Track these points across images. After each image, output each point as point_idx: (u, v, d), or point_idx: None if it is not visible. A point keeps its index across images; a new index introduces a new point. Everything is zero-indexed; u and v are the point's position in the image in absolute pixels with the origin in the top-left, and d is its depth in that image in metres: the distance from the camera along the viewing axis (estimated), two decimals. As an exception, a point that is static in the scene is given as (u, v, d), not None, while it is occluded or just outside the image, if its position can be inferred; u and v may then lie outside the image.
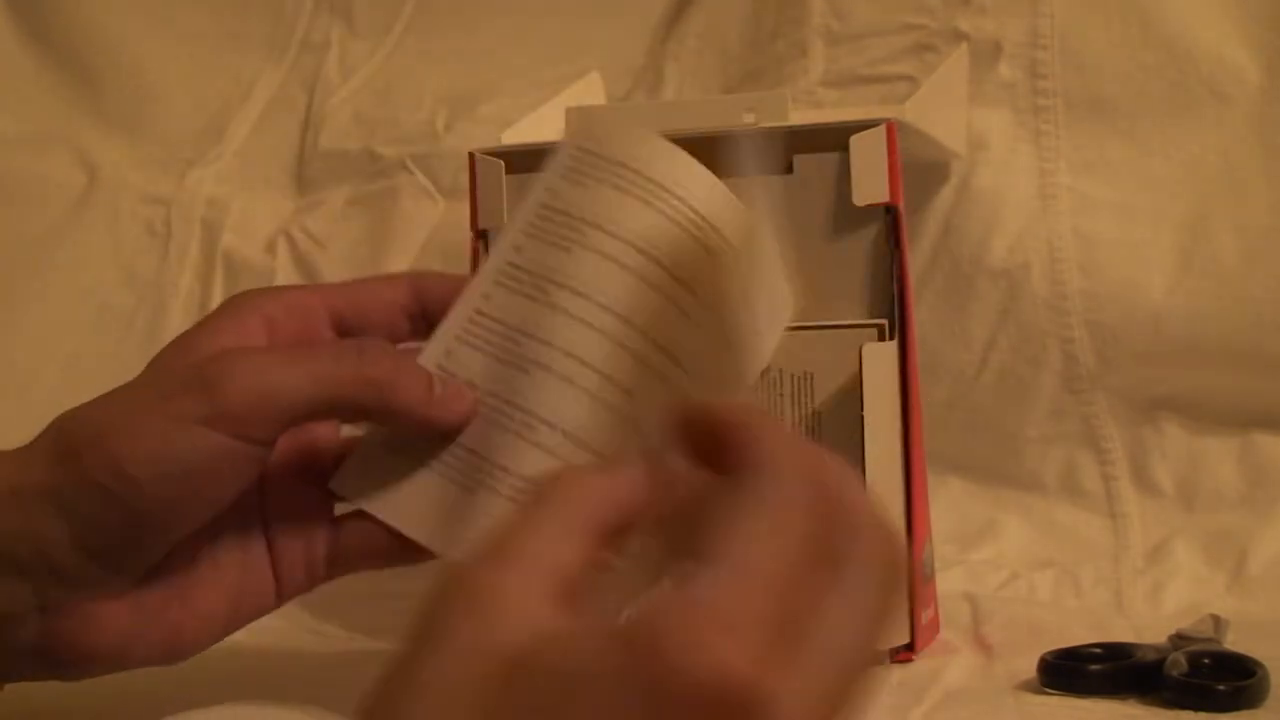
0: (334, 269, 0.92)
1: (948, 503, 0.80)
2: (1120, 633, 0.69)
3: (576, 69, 0.88)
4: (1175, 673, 0.59)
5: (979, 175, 0.81)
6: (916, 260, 0.81)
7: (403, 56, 0.97)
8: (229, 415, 0.49)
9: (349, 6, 0.99)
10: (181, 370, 0.50)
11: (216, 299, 0.93)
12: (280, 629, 0.76)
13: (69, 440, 0.49)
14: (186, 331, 0.54)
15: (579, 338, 0.54)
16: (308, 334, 0.55)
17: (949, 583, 0.74)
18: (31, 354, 0.93)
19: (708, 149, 0.59)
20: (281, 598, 0.57)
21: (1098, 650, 0.63)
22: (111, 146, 0.99)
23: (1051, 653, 0.62)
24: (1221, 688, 0.58)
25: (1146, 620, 0.72)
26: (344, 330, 0.56)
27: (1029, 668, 0.62)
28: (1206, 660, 0.61)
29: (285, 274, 0.92)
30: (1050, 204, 0.80)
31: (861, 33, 0.84)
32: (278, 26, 1.00)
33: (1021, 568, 0.78)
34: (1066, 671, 0.61)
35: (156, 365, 0.53)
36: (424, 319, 0.56)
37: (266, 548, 0.56)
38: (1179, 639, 0.64)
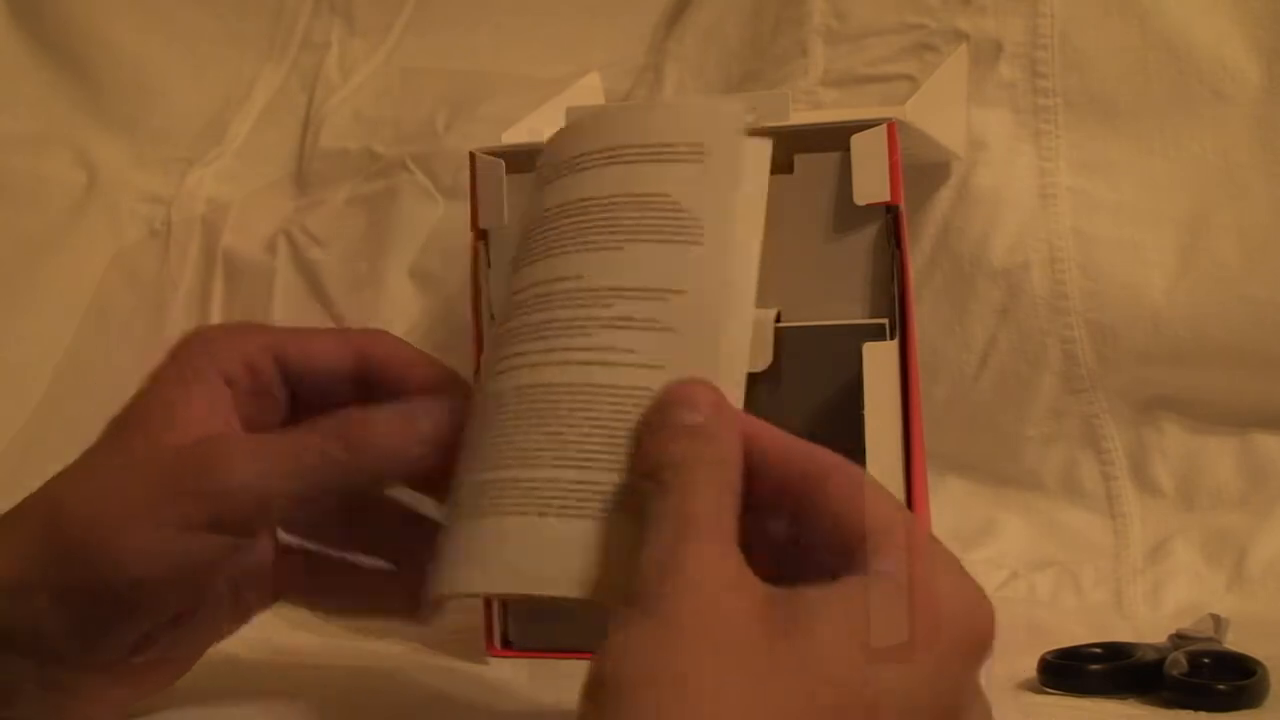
0: (334, 269, 0.92)
1: (948, 502, 0.80)
2: (1120, 632, 0.69)
3: (577, 69, 0.88)
4: (1175, 672, 0.60)
5: (979, 175, 0.81)
6: (916, 260, 0.81)
7: (403, 56, 0.97)
8: (231, 521, 0.50)
9: (349, 6, 0.99)
10: (173, 462, 0.50)
11: (216, 299, 0.93)
12: (278, 628, 0.76)
13: (69, 540, 0.50)
14: (152, 390, 0.53)
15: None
16: (261, 387, 0.54)
17: (949, 582, 0.74)
18: (31, 354, 0.93)
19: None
20: (244, 615, 0.57)
21: (1098, 650, 0.63)
22: (111, 146, 0.99)
23: (1051, 652, 0.62)
24: (1221, 687, 0.58)
25: (1146, 620, 0.72)
26: (286, 378, 0.55)
27: (1029, 668, 0.62)
28: (1206, 660, 0.61)
29: (285, 274, 0.92)
30: (1050, 204, 0.80)
31: (861, 32, 0.84)
32: (278, 26, 1.00)
33: (1021, 567, 0.78)
34: (1066, 671, 0.61)
35: (128, 433, 0.52)
36: (366, 384, 0.55)
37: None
38: (1179, 639, 0.64)
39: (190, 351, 0.54)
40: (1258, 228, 0.78)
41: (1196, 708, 0.58)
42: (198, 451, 0.51)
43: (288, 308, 0.92)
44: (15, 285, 0.96)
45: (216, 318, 0.93)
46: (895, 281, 0.65)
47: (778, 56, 0.87)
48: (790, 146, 0.66)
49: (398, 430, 0.52)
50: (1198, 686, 0.59)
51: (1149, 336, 0.78)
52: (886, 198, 0.65)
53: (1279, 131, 0.79)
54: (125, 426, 0.53)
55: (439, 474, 0.52)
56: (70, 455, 0.53)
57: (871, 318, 0.65)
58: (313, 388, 0.55)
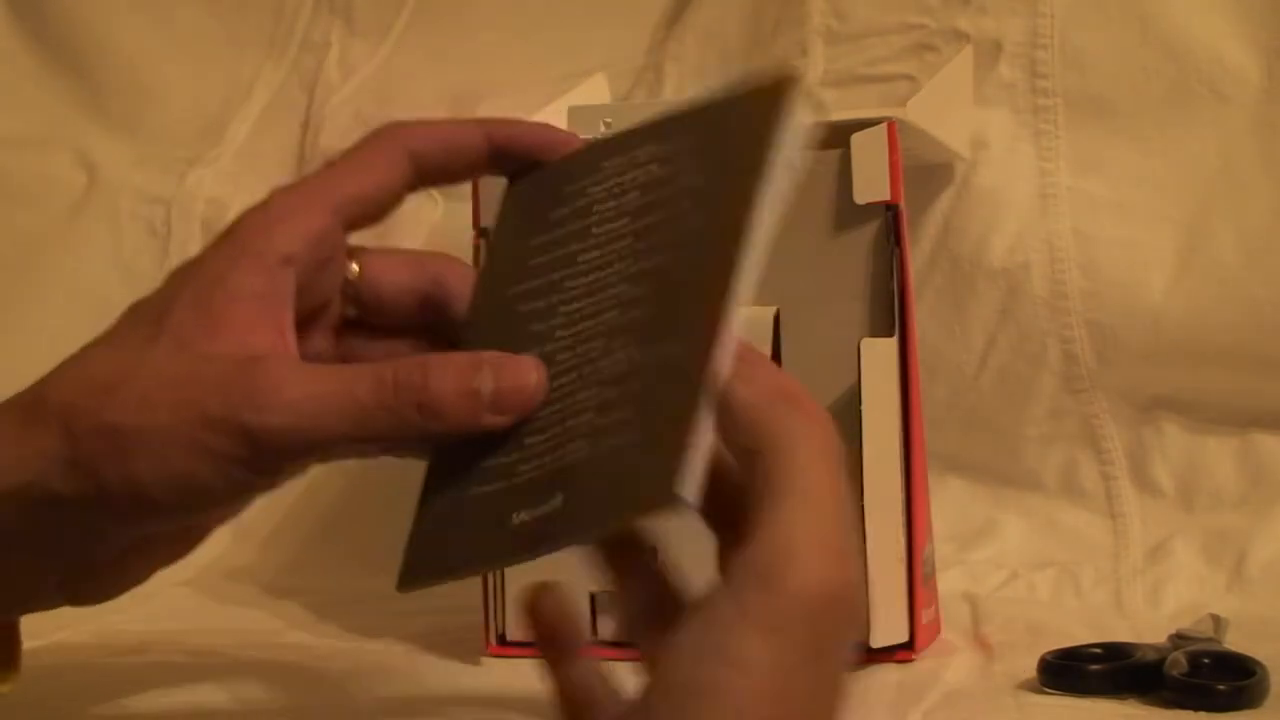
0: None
1: (948, 502, 0.80)
2: (1120, 633, 0.69)
3: (577, 68, 0.88)
4: (1175, 672, 0.59)
5: (979, 175, 0.81)
6: (916, 259, 0.80)
7: (403, 56, 0.97)
8: (266, 461, 0.46)
9: (349, 6, 0.99)
10: (214, 383, 0.46)
11: (216, 299, 0.93)
12: (277, 629, 0.76)
13: (89, 453, 0.46)
14: (194, 282, 0.48)
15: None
16: (323, 258, 0.49)
17: (949, 582, 0.74)
18: (31, 354, 0.93)
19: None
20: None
21: (1098, 650, 0.63)
22: (111, 146, 0.99)
23: (1051, 653, 0.62)
24: (1221, 688, 0.58)
25: (1146, 620, 0.72)
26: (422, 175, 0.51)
27: (1029, 668, 0.62)
28: (1206, 660, 0.61)
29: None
30: (1050, 204, 0.80)
31: (861, 32, 0.84)
32: (278, 26, 1.00)
33: (1021, 567, 0.78)
34: (1066, 671, 0.61)
35: (164, 336, 0.48)
36: (500, 162, 0.51)
37: None
38: (1179, 639, 0.64)
39: (248, 233, 0.49)
40: (1257, 228, 0.78)
41: (1196, 708, 0.58)
42: (243, 378, 0.46)
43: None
44: (15, 285, 0.96)
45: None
46: (895, 280, 0.65)
47: (778, 57, 0.87)
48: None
49: (464, 391, 0.46)
50: (1198, 686, 0.59)
51: (1149, 336, 0.78)
52: (886, 196, 0.65)
53: (1279, 131, 0.79)
54: (160, 325, 0.48)
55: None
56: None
57: (871, 317, 0.65)
58: (381, 303, 0.51)
